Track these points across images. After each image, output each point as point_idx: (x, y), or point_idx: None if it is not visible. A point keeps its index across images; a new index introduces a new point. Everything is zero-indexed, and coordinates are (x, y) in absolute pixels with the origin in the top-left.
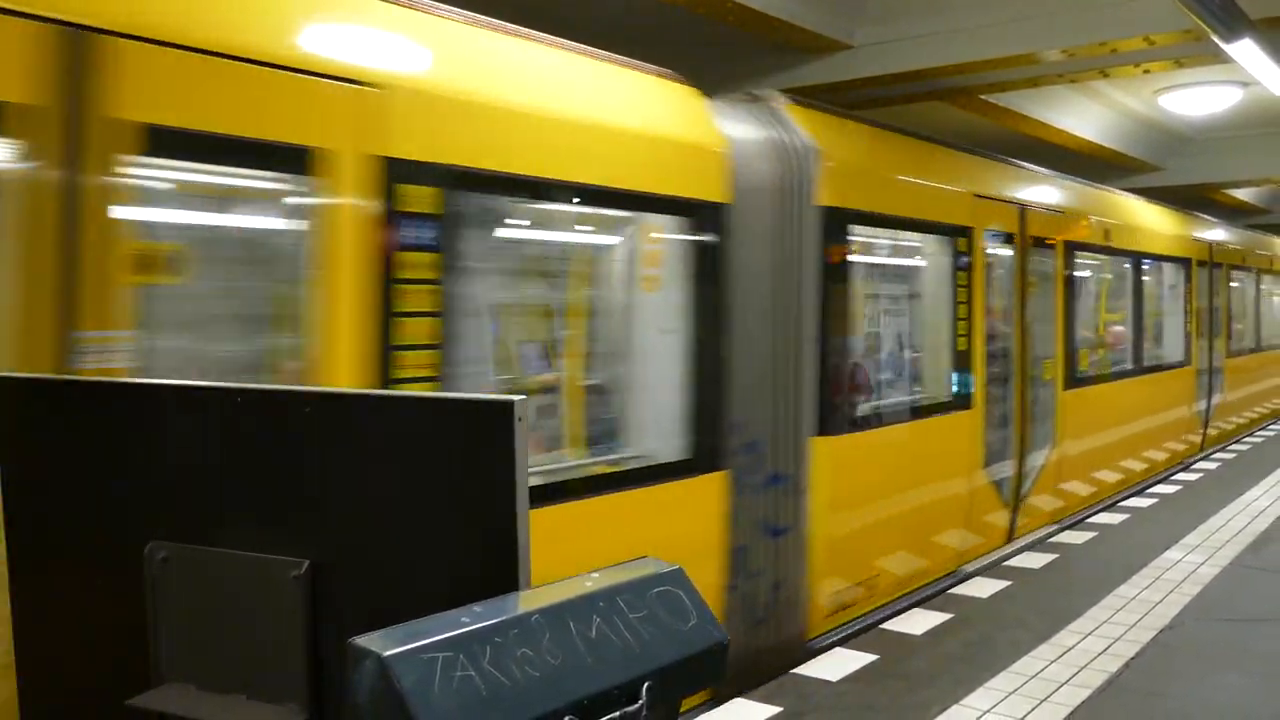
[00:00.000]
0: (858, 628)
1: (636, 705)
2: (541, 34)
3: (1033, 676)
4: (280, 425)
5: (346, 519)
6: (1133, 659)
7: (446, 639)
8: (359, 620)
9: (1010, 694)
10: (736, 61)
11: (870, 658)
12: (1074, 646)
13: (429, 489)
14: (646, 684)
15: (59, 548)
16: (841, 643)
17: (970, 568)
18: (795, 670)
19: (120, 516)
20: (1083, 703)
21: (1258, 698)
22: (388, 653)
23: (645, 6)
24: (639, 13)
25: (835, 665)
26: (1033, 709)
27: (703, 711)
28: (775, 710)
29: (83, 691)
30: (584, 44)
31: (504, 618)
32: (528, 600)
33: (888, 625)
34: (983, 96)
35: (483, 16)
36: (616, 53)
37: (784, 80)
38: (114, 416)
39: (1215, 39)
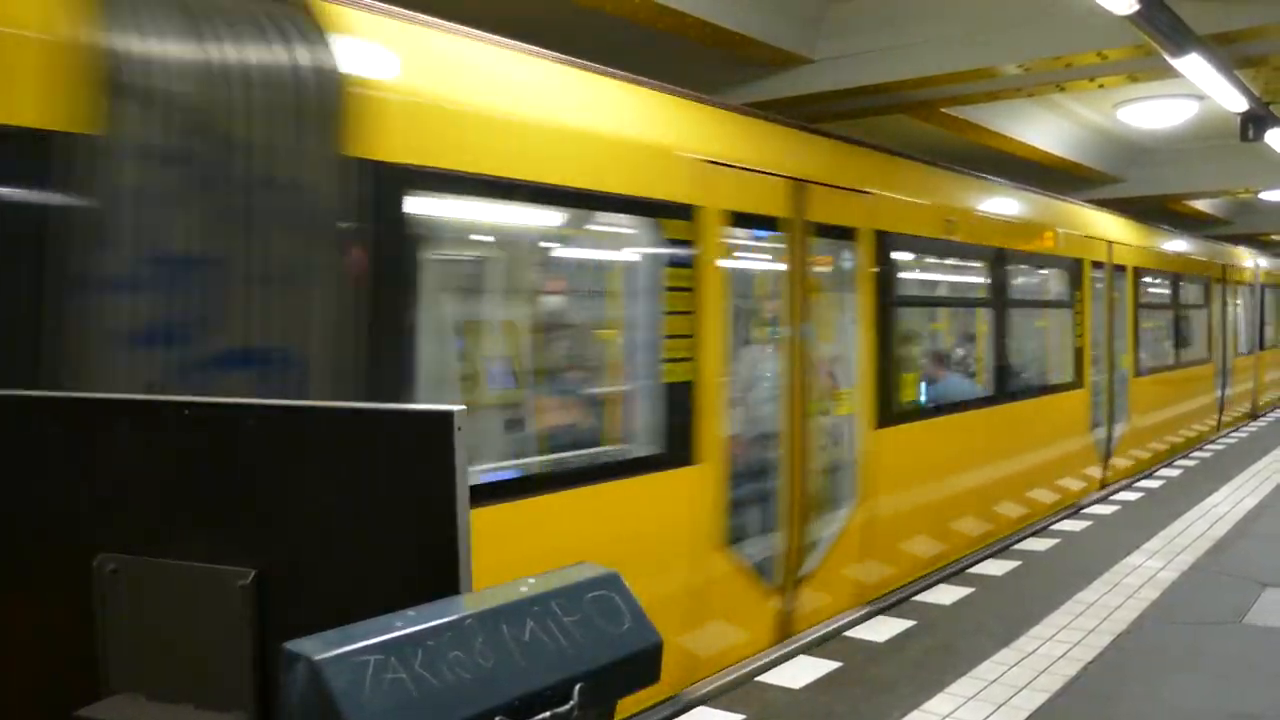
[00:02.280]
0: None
1: (568, 706)
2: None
3: (992, 681)
4: (227, 437)
5: (292, 529)
6: (1091, 663)
7: (378, 642)
8: (305, 628)
9: (970, 699)
10: (698, 76)
11: (833, 665)
12: (1034, 651)
13: (372, 498)
14: (579, 685)
15: (6, 560)
16: (805, 650)
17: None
18: (758, 678)
19: (69, 529)
20: (1040, 706)
21: (1213, 699)
22: (319, 656)
23: (606, 21)
24: (598, 26)
25: (798, 672)
26: (991, 713)
27: None
28: (738, 718)
29: (32, 703)
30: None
31: (436, 622)
32: (462, 605)
33: (850, 633)
34: (944, 110)
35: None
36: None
37: (747, 94)
38: (62, 429)
39: (1164, 54)
